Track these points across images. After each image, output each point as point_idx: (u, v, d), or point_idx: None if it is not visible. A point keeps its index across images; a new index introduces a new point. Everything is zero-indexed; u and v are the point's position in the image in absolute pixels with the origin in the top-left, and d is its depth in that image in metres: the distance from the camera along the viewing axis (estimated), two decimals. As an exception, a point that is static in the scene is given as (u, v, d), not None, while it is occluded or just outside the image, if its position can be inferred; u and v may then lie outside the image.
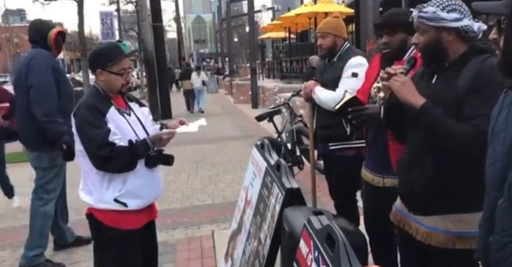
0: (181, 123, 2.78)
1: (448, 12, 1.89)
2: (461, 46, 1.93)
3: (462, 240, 1.90)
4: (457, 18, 1.89)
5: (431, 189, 1.93)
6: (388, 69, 2.03)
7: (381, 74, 2.09)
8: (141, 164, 2.54)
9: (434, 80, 2.00)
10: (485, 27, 1.94)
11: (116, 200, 2.49)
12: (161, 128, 2.78)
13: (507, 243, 1.27)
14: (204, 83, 17.22)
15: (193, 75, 17.11)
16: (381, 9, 5.79)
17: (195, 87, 16.89)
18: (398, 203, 2.19)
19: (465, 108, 1.81)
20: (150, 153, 2.56)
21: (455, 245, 1.91)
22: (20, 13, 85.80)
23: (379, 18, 2.82)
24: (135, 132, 2.56)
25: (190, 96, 17.17)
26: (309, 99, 3.48)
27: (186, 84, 17.34)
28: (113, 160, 2.41)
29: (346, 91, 3.09)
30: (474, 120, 1.77)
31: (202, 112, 16.47)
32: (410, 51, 2.61)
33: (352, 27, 11.19)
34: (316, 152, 3.73)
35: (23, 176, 7.74)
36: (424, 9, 1.92)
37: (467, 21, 1.89)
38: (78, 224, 4.90)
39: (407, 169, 2.06)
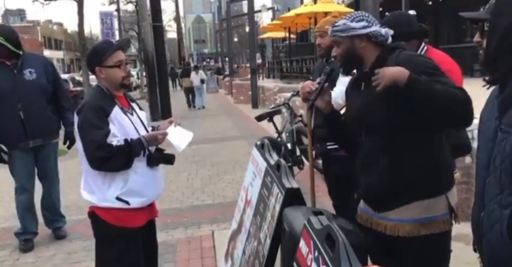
0: (171, 122, 2.78)
1: (356, 22, 2.11)
2: (374, 51, 2.13)
3: (426, 226, 2.02)
4: (365, 25, 2.11)
5: (389, 184, 2.05)
6: (307, 87, 2.37)
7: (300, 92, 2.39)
8: (142, 163, 2.56)
9: (363, 87, 2.17)
10: (391, 31, 2.16)
11: (118, 198, 2.51)
12: (153, 130, 2.80)
13: (494, 210, 1.40)
14: (202, 81, 18.36)
15: (193, 74, 18.34)
16: (380, 9, 5.79)
17: (194, 85, 18.09)
18: (361, 204, 2.29)
19: None
20: (153, 153, 2.58)
21: (420, 231, 2.02)
22: (20, 13, 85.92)
23: None
24: (137, 131, 2.58)
25: (191, 93, 18.50)
26: (306, 100, 3.47)
27: (186, 81, 18.55)
28: (110, 160, 2.43)
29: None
30: (457, 87, 1.91)
31: (204, 107, 17.79)
32: (419, 51, 2.74)
33: (352, 27, 11.22)
34: (314, 152, 3.73)
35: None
36: (336, 24, 2.15)
37: (374, 28, 2.11)
38: (79, 224, 4.91)
39: (363, 170, 2.18)
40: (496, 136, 1.43)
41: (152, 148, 2.66)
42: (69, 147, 4.57)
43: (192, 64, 24.01)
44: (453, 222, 2.08)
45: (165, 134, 2.64)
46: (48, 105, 4.35)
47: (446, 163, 2.09)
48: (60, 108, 4.49)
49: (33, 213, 4.55)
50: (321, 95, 2.31)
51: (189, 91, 18.58)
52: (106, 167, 2.46)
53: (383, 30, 2.13)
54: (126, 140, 2.49)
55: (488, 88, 1.54)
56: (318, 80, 2.30)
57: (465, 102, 1.86)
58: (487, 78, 1.49)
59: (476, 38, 1.58)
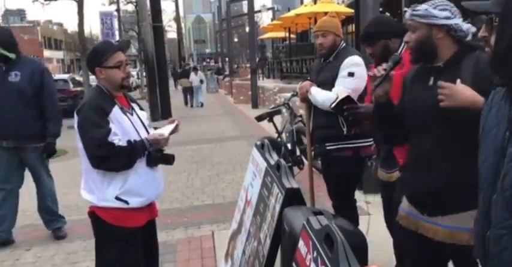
0: (172, 122, 2.79)
1: (439, 10, 1.96)
2: (451, 45, 1.99)
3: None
4: (448, 16, 1.96)
5: (449, 189, 1.93)
6: (374, 72, 2.10)
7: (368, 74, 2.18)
8: (142, 163, 2.57)
9: (431, 82, 2.01)
10: (474, 29, 1.98)
11: (117, 198, 2.51)
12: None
13: (503, 235, 1.30)
14: (201, 82, 19.65)
15: (192, 74, 19.50)
16: (380, 9, 5.79)
17: (193, 85, 19.15)
18: (406, 206, 2.16)
19: None
20: (152, 153, 2.58)
21: (471, 241, 1.86)
22: (20, 13, 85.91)
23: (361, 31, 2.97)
24: (137, 131, 2.59)
25: (189, 93, 19.44)
26: (305, 100, 3.46)
27: (185, 82, 19.45)
28: (110, 159, 2.43)
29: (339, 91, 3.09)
30: None
31: (202, 105, 18.74)
32: (400, 50, 2.71)
33: (352, 27, 11.19)
34: (313, 152, 3.73)
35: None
36: (417, 8, 1.99)
37: (457, 21, 1.96)
38: (79, 224, 4.91)
39: (417, 172, 2.04)
40: (504, 149, 1.29)
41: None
42: (47, 157, 4.55)
43: (191, 65, 24.33)
44: None
45: (167, 138, 2.65)
46: (28, 110, 4.28)
47: None
48: (45, 117, 4.42)
49: None
50: (384, 83, 2.11)
51: (187, 91, 19.51)
52: (106, 166, 2.47)
53: (465, 26, 1.98)
54: (129, 141, 2.50)
55: (495, 89, 1.42)
56: (384, 66, 2.11)
57: None
58: (494, 81, 1.38)
59: (482, 32, 1.46)
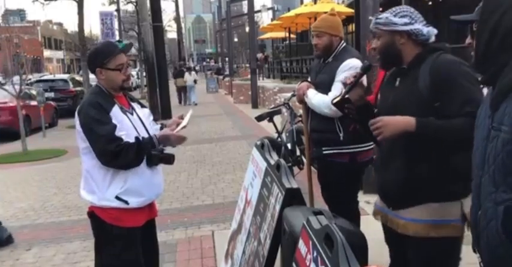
0: (177, 123, 2.79)
1: (399, 17, 2.10)
2: (414, 49, 2.11)
3: (436, 228, 2.03)
4: (407, 22, 2.08)
5: (405, 183, 2.07)
6: (345, 79, 2.28)
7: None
8: (142, 163, 2.56)
9: (397, 83, 2.17)
10: (435, 31, 2.13)
11: (117, 198, 2.51)
12: (161, 128, 2.80)
13: (489, 208, 1.42)
14: (195, 81, 20.67)
15: (186, 74, 20.56)
16: (380, 9, 5.78)
17: (187, 85, 20.24)
18: (378, 201, 2.32)
19: (447, 106, 1.96)
20: (152, 152, 2.58)
21: (429, 233, 2.03)
22: (20, 13, 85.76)
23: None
24: (137, 131, 2.59)
25: (183, 92, 20.60)
26: (302, 101, 3.41)
27: (179, 81, 20.42)
28: (120, 155, 2.42)
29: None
30: (464, 110, 1.92)
31: (196, 104, 19.46)
32: None
33: (352, 27, 11.20)
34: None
35: (22, 176, 7.77)
36: (379, 16, 2.14)
37: (417, 25, 2.09)
38: (78, 224, 4.92)
39: (381, 168, 2.21)
40: (490, 135, 1.44)
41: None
42: None
43: (190, 65, 24.52)
44: (465, 230, 2.04)
45: (180, 136, 2.68)
46: None
47: (466, 170, 2.00)
48: None
49: None
50: (354, 89, 2.27)
51: (182, 90, 20.62)
52: (117, 161, 2.45)
53: (425, 29, 2.10)
54: (137, 138, 2.51)
55: (483, 88, 1.59)
56: (354, 73, 2.28)
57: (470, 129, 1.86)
58: (479, 79, 1.54)
59: (468, 39, 1.61)
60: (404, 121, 1.98)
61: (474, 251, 1.63)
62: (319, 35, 3.26)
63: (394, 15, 2.10)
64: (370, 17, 2.20)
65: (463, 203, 2.01)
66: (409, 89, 2.07)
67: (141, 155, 2.51)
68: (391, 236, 2.25)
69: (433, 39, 2.12)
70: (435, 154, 2.01)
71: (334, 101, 2.74)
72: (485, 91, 1.71)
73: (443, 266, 2.12)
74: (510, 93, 1.37)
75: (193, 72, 22.05)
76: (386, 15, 2.11)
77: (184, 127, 2.74)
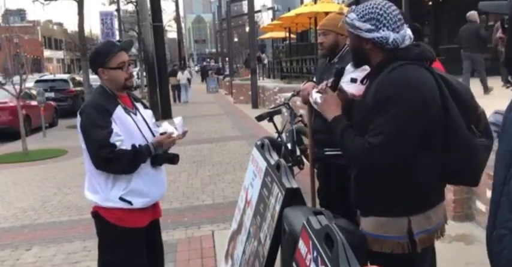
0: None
1: (364, 21, 1.87)
2: (380, 55, 1.92)
3: (378, 243, 1.90)
4: (370, 29, 1.86)
5: (356, 194, 2.03)
6: (307, 90, 2.27)
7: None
8: (146, 164, 2.57)
9: (330, 94, 2.13)
10: (407, 35, 1.90)
11: (121, 199, 2.51)
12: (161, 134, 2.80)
13: (504, 235, 1.32)
14: (189, 80, 21.97)
15: (179, 73, 21.73)
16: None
17: (181, 83, 21.32)
18: None
19: (371, 122, 1.83)
20: (156, 154, 2.58)
21: (372, 247, 1.90)
22: (20, 13, 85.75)
23: None
24: (141, 131, 2.59)
25: (177, 90, 21.40)
26: (307, 102, 3.41)
27: (173, 80, 20.91)
28: (113, 161, 2.43)
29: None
30: (370, 135, 1.81)
31: (186, 102, 20.87)
32: None
33: (352, 27, 11.24)
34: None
35: (22, 176, 7.77)
36: (349, 15, 1.93)
37: (382, 33, 1.85)
38: (78, 224, 4.91)
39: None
40: None
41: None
42: None
43: (191, 64, 24.86)
44: (410, 248, 1.87)
45: (170, 137, 2.66)
46: None
47: (421, 185, 1.87)
48: None
49: None
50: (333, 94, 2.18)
51: (175, 88, 21.27)
52: (109, 167, 2.47)
53: (392, 36, 1.85)
54: (134, 146, 2.50)
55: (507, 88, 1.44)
56: (329, 82, 2.23)
57: (356, 162, 1.90)
58: (510, 79, 1.38)
59: (499, 33, 1.47)
60: (336, 110, 2.00)
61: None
62: (325, 33, 3.22)
63: (360, 18, 1.88)
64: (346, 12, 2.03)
65: (411, 220, 1.87)
66: (361, 101, 1.99)
67: (136, 163, 2.50)
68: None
69: (406, 43, 1.89)
70: (386, 168, 1.85)
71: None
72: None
73: None
74: None
75: (185, 71, 22.77)
76: (353, 16, 1.90)
77: (183, 133, 2.74)
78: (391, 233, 1.88)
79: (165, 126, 2.74)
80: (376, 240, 1.90)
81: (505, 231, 1.32)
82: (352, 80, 3.14)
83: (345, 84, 3.16)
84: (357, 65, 2.12)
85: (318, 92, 2.19)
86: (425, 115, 1.77)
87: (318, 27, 3.34)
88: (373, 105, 1.82)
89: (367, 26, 1.87)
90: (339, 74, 2.24)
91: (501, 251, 1.34)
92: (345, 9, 3.49)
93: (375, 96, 1.83)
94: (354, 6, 1.98)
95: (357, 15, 1.90)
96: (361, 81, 2.13)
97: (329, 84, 2.20)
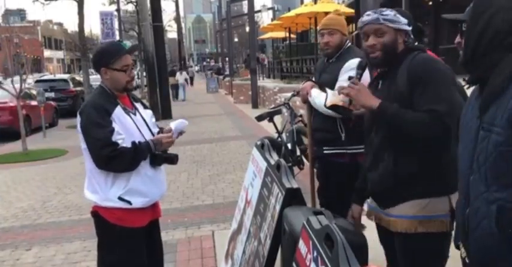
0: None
1: (401, 16, 2.10)
2: (400, 48, 2.12)
3: (424, 224, 2.03)
4: (407, 23, 2.11)
5: (392, 180, 2.08)
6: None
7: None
8: (145, 163, 2.57)
9: (380, 85, 2.19)
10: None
11: (120, 198, 2.51)
12: (159, 132, 2.80)
13: (480, 207, 1.45)
14: (186, 80, 24.09)
15: (178, 74, 23.58)
16: (381, 9, 5.77)
17: (179, 83, 23.14)
18: (370, 201, 2.33)
19: (417, 102, 1.97)
20: (156, 152, 2.58)
21: (417, 229, 2.04)
22: (20, 13, 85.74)
23: None
24: (140, 131, 2.59)
25: (175, 89, 22.89)
26: (306, 101, 3.42)
27: (171, 80, 21.79)
28: (115, 160, 2.43)
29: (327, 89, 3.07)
30: (430, 104, 1.93)
31: (184, 100, 22.36)
32: None
33: (352, 27, 11.19)
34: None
35: (22, 176, 7.77)
36: (385, 12, 2.10)
37: (410, 28, 2.13)
38: (78, 224, 4.92)
39: (370, 167, 2.22)
40: (478, 136, 1.46)
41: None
42: None
43: (192, 65, 25.40)
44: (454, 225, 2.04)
45: (171, 136, 2.67)
46: None
47: (454, 165, 2.02)
48: None
49: None
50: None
51: (173, 88, 22.42)
52: (111, 166, 2.47)
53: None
54: (133, 142, 2.50)
55: (468, 88, 1.61)
56: (353, 75, 2.26)
57: (433, 125, 1.91)
58: (466, 78, 1.55)
59: (457, 39, 1.63)
60: (375, 99, 2.04)
61: (457, 247, 1.66)
62: (332, 32, 3.22)
63: (399, 14, 2.10)
64: (369, 12, 2.15)
65: (451, 198, 2.02)
66: (389, 89, 2.08)
67: (137, 160, 2.51)
68: (385, 235, 2.26)
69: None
70: (422, 150, 2.01)
71: (327, 105, 2.81)
72: (468, 92, 1.73)
73: (431, 263, 2.12)
74: (501, 94, 1.39)
75: (184, 72, 24.81)
76: (393, 12, 2.09)
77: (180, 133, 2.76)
78: (437, 212, 2.03)
79: (171, 125, 2.77)
80: (422, 222, 2.03)
81: (480, 203, 1.44)
82: (350, 78, 3.17)
83: (344, 83, 3.18)
84: (385, 64, 2.15)
85: (347, 86, 2.16)
86: (456, 88, 2.04)
87: (322, 27, 3.32)
88: (412, 84, 1.98)
89: (405, 20, 2.10)
90: (363, 67, 2.28)
91: (479, 223, 1.45)
92: (342, 11, 3.46)
93: (409, 77, 2.00)
94: (376, 9, 2.16)
95: (393, 12, 2.10)
96: (359, 77, 2.23)
97: (354, 78, 2.21)
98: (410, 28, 2.12)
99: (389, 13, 2.09)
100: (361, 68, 2.27)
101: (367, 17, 2.12)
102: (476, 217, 1.46)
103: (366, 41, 2.13)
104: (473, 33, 1.47)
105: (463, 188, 1.56)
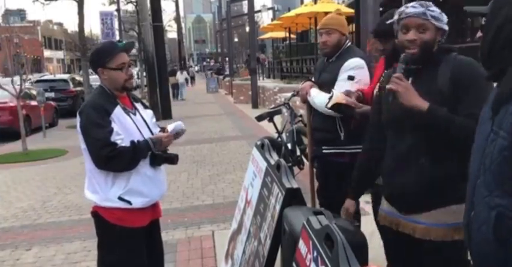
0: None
1: (442, 15, 2.01)
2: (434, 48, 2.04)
3: (459, 231, 1.93)
4: (447, 22, 2.02)
5: (427, 187, 1.98)
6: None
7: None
8: (145, 163, 2.57)
9: (409, 82, 2.04)
10: None
11: (120, 198, 2.51)
12: (160, 131, 2.80)
13: (481, 212, 1.41)
14: (186, 80, 25.49)
15: (178, 73, 24.56)
16: (381, 9, 5.78)
17: (179, 82, 23.96)
18: (385, 205, 2.22)
19: (460, 104, 1.92)
20: (156, 152, 2.58)
21: (453, 237, 1.96)
22: (20, 13, 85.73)
23: (375, 25, 2.87)
24: (140, 131, 2.59)
25: (175, 88, 23.77)
26: (305, 101, 3.42)
27: (172, 79, 22.71)
28: (114, 159, 2.43)
29: (334, 90, 3.05)
30: (470, 110, 1.87)
31: (183, 100, 23.05)
32: None
33: (352, 27, 11.19)
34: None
35: (22, 176, 7.77)
36: (432, 8, 1.98)
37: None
38: (78, 224, 4.91)
39: (395, 170, 2.10)
40: (489, 138, 1.41)
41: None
42: None
43: (191, 65, 25.98)
44: None
45: (170, 137, 2.67)
46: None
47: None
48: None
49: None
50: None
51: (174, 87, 23.27)
52: (110, 166, 2.47)
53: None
54: (132, 141, 2.50)
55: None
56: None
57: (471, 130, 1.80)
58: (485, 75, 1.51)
59: (479, 33, 1.57)
60: (421, 99, 1.93)
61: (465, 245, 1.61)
62: (330, 31, 3.22)
63: (440, 12, 2.01)
64: (414, 4, 2.01)
65: None
66: (427, 89, 1.98)
67: (136, 159, 2.51)
68: (400, 241, 2.15)
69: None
70: (457, 153, 1.92)
71: (328, 106, 2.80)
72: None
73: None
74: (510, 96, 1.33)
75: (184, 72, 26.18)
76: (438, 10, 2.00)
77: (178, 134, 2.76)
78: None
79: (168, 128, 2.78)
80: (456, 230, 1.94)
81: (482, 207, 1.40)
82: (350, 78, 3.17)
83: (343, 82, 3.18)
84: (422, 62, 2.05)
85: (393, 81, 2.01)
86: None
87: (320, 26, 3.33)
88: (456, 86, 1.93)
89: (446, 18, 2.01)
90: (407, 61, 2.11)
91: (479, 227, 1.40)
92: (343, 10, 3.44)
93: (454, 78, 1.94)
94: (422, 2, 2.02)
95: (437, 9, 2.00)
96: (403, 72, 2.05)
97: (398, 73, 2.05)
98: (447, 29, 2.04)
99: (436, 10, 1.99)
100: (405, 63, 2.08)
101: (413, 9, 1.99)
102: (477, 222, 1.43)
103: (405, 34, 2.02)
104: (491, 29, 1.41)
105: (470, 190, 1.51)
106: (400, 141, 2.07)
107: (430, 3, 2.02)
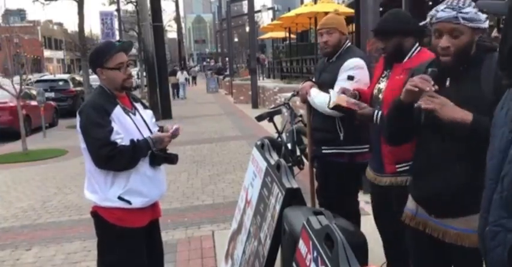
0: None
1: (481, 12, 1.82)
2: (473, 48, 1.89)
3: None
4: (486, 17, 1.82)
5: (463, 192, 1.89)
6: (416, 82, 1.88)
7: (409, 84, 1.93)
8: (145, 163, 2.57)
9: (448, 83, 1.94)
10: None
11: (120, 198, 2.51)
12: (159, 131, 2.80)
13: (498, 232, 1.33)
14: (186, 79, 26.55)
15: (179, 73, 25.36)
16: (381, 9, 5.78)
17: (179, 82, 24.81)
18: (412, 205, 2.14)
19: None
20: (155, 152, 2.58)
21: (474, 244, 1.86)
22: (20, 13, 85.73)
23: (376, 24, 2.86)
24: (140, 131, 2.59)
25: (175, 88, 24.57)
26: (306, 101, 3.42)
27: (173, 79, 23.60)
28: (114, 159, 2.43)
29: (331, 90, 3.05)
30: None
31: (183, 98, 23.73)
32: (411, 53, 2.64)
33: (352, 27, 11.19)
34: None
35: (22, 176, 7.77)
36: (465, 10, 1.82)
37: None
38: (78, 224, 4.91)
39: (427, 172, 2.01)
40: (508, 150, 1.29)
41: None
42: None
43: (191, 65, 26.34)
44: None
45: (170, 137, 2.67)
46: None
47: None
48: None
49: None
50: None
51: (174, 87, 24.08)
52: (110, 165, 2.47)
53: None
54: (132, 140, 2.50)
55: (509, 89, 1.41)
56: (430, 86, 1.92)
57: None
58: (503, 81, 1.36)
59: (494, 33, 1.50)
60: (463, 111, 1.79)
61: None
62: (330, 31, 3.22)
63: (479, 10, 1.81)
64: (445, 7, 1.84)
65: None
66: (469, 94, 1.86)
67: (135, 158, 2.51)
68: (425, 242, 2.09)
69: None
70: None
71: (330, 106, 2.80)
72: None
73: None
74: None
75: (184, 72, 27.11)
76: (473, 10, 1.81)
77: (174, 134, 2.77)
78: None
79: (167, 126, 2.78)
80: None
81: (498, 228, 1.32)
82: (349, 78, 3.17)
83: (343, 82, 3.18)
84: (456, 67, 1.92)
85: (425, 101, 1.86)
86: None
87: (320, 26, 3.33)
88: (499, 92, 1.72)
89: (484, 15, 1.81)
90: (435, 75, 1.96)
91: (494, 248, 1.34)
92: (342, 10, 3.42)
93: (498, 81, 1.72)
94: (457, 1, 1.85)
95: (473, 7, 1.81)
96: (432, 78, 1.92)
97: (427, 75, 1.91)
98: (487, 26, 1.86)
99: (470, 10, 1.81)
100: (433, 76, 1.92)
101: (443, 13, 1.83)
102: (493, 241, 1.35)
103: (438, 39, 1.88)
104: (511, 30, 1.24)
105: (485, 203, 1.41)
106: (437, 144, 1.96)
107: (463, 2, 1.84)
